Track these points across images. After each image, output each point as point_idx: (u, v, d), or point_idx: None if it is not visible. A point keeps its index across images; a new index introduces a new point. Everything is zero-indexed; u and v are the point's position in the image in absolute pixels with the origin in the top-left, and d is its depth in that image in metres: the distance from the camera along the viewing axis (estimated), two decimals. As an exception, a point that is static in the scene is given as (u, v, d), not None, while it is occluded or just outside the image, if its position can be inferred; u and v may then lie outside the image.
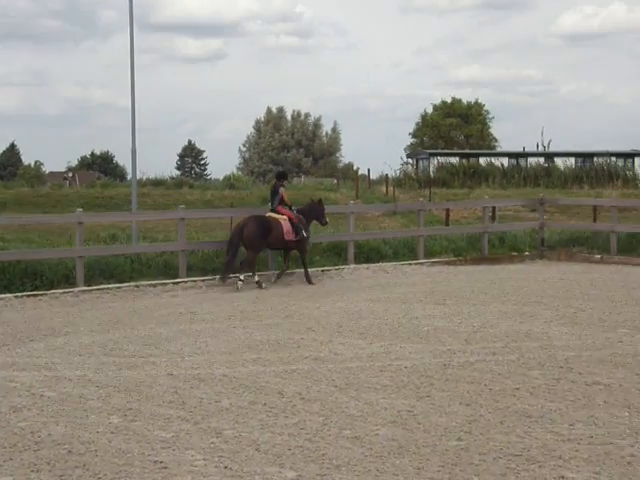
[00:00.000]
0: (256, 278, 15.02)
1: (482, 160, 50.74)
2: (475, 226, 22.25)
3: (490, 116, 79.12)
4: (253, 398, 7.20)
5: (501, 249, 20.51)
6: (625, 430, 6.10)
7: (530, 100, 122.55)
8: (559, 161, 50.66)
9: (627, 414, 6.51)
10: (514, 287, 14.51)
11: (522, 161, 51.35)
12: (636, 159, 53.37)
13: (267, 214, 15.67)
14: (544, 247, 20.52)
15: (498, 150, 65.70)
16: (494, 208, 23.15)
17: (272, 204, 15.78)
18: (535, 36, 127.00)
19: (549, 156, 53.60)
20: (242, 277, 14.98)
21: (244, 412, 6.78)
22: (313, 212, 16.19)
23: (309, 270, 15.74)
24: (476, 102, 78.37)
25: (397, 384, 7.64)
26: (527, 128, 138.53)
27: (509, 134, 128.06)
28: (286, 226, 15.34)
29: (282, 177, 16.50)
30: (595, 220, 23.62)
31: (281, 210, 15.60)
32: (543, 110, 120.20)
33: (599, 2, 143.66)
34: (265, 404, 7.00)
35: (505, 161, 50.83)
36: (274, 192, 15.84)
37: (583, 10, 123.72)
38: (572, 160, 52.03)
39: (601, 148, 54.25)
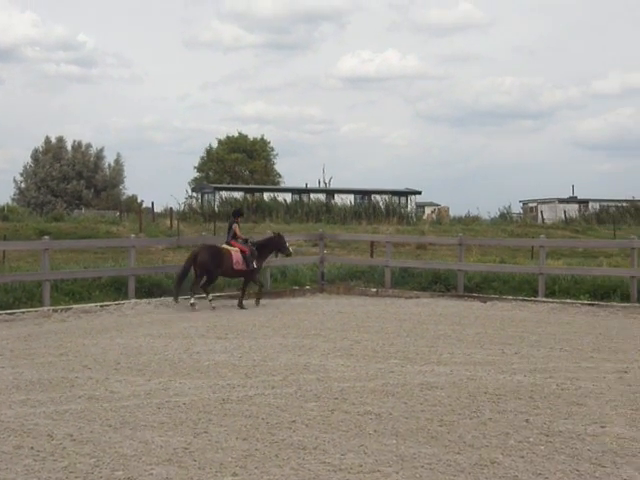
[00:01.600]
0: (192, 300, 16.63)
1: (266, 195, 51.71)
2: (258, 260, 22.50)
3: (274, 152, 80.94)
4: (19, 442, 6.81)
5: (283, 283, 20.88)
6: (392, 457, 6.37)
7: (313, 138, 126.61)
8: (339, 198, 52.66)
9: (395, 442, 6.80)
10: (295, 320, 14.82)
11: (305, 197, 52.85)
12: (410, 197, 56.60)
13: (222, 245, 17.53)
14: (324, 281, 21.14)
15: (282, 186, 67.27)
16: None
17: (227, 238, 17.73)
18: (317, 77, 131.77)
19: (330, 192, 55.60)
20: (193, 300, 16.66)
21: (8, 457, 6.38)
22: (272, 245, 18.17)
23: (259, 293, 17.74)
24: (261, 138, 79.86)
25: (174, 421, 7.52)
26: (310, 165, 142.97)
27: (293, 170, 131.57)
28: (236, 257, 17.23)
29: (236, 214, 18.37)
30: (372, 255, 24.73)
31: (234, 243, 17.51)
32: (325, 148, 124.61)
33: (375, 48, 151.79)
34: (32, 448, 6.65)
35: (289, 197, 52.11)
36: (229, 228, 17.87)
37: (360, 55, 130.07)
38: (352, 197, 54.30)
39: (378, 186, 57.07)
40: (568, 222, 53.54)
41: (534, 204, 67.54)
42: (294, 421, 7.53)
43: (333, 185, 64.84)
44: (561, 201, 66.04)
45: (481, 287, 19.42)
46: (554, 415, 7.73)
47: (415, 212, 54.49)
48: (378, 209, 49.75)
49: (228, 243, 17.55)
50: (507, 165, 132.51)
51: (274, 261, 21.08)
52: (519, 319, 15.60)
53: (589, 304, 17.57)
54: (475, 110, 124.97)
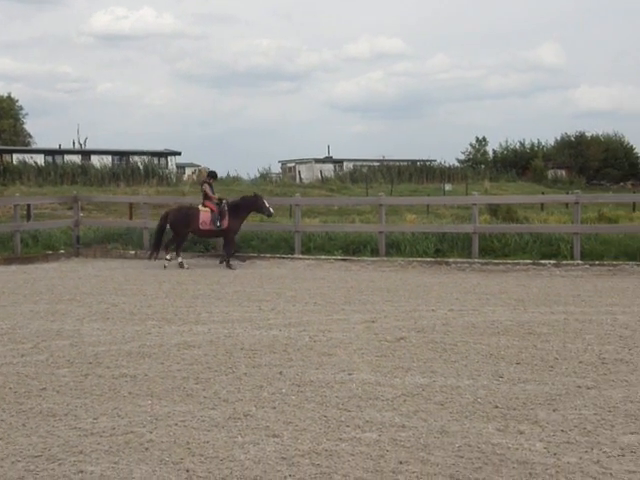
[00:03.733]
0: (179, 259, 17.51)
1: (15, 157, 48.83)
2: (6, 224, 21.28)
3: (24, 111, 76.58)
4: None
5: (35, 248, 19.94)
6: (146, 418, 6.32)
7: (67, 97, 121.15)
8: (96, 159, 50.90)
9: (150, 402, 6.75)
10: (47, 286, 14.21)
11: (59, 159, 50.53)
12: (170, 158, 55.86)
13: (197, 206, 17.92)
14: (79, 245, 20.45)
15: (33, 147, 63.79)
16: (29, 206, 22.43)
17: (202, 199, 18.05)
18: (69, 33, 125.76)
19: (86, 154, 53.56)
20: (168, 257, 17.55)
21: None
22: (247, 205, 17.97)
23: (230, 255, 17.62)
24: (8, 96, 75.13)
25: None
26: (64, 125, 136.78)
27: (45, 131, 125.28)
28: (204, 216, 17.53)
29: (209, 176, 18.85)
30: (131, 217, 24.22)
31: (207, 204, 17.75)
32: (80, 107, 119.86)
33: (130, 5, 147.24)
34: None
35: (41, 158, 49.55)
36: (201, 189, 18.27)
37: (115, 12, 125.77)
38: (109, 158, 52.65)
39: (137, 147, 55.72)
40: (324, 181, 55.51)
41: (292, 164, 69.31)
42: (44, 388, 7.24)
43: (89, 146, 62.56)
44: (317, 161, 68.29)
45: (240, 246, 19.66)
46: (306, 366, 8.03)
47: (175, 173, 53.93)
48: (137, 170, 48.65)
49: (203, 204, 17.82)
50: (266, 126, 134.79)
51: (23, 226, 20.07)
52: (277, 276, 16.01)
53: (342, 259, 18.39)
54: (234, 71, 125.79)
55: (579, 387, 7.03)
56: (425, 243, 18.81)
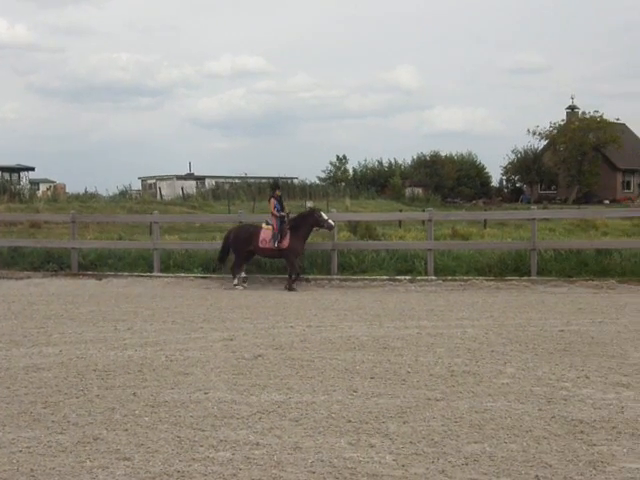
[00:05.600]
0: (235, 281, 16.72)
1: None
2: None
3: None
4: None
5: None
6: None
7: None
8: None
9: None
10: None
11: None
12: (22, 174, 53.83)
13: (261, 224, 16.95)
14: None
15: None
16: None
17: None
18: None
19: None
20: (236, 281, 16.74)
21: None
22: (307, 221, 16.83)
23: (294, 278, 16.59)
24: None
25: None
26: None
27: None
28: (264, 235, 16.53)
29: (272, 188, 17.55)
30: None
31: (273, 221, 16.68)
32: None
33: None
34: None
35: None
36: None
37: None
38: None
39: (-12, 162, 53.41)
40: (186, 198, 54.92)
41: (153, 181, 68.25)
42: None
43: None
44: (179, 178, 67.54)
45: (97, 264, 19.18)
46: (161, 386, 7.91)
47: (29, 189, 51.95)
48: (-12, 186, 46.57)
49: (268, 222, 16.84)
50: (127, 142, 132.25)
51: None
52: (134, 295, 15.69)
53: (202, 277, 18.24)
54: (92, 85, 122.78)
55: (429, 399, 7.24)
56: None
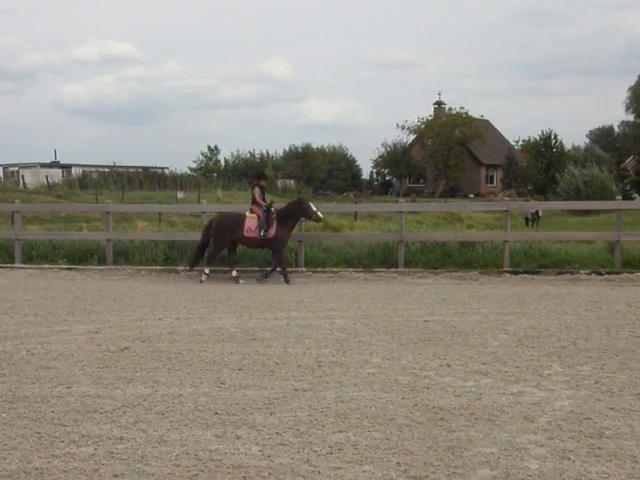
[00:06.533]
0: (234, 273, 16.25)
1: None
2: None
3: None
4: None
5: None
6: None
7: None
8: None
9: None
10: None
11: None
12: None
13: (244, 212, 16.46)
14: None
15: None
16: None
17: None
18: None
19: None
20: (207, 271, 16.30)
21: None
22: (295, 211, 16.49)
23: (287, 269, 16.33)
24: None
25: None
26: None
27: None
28: (249, 223, 16.12)
29: (257, 177, 17.30)
30: None
31: (254, 209, 16.37)
32: None
33: None
34: None
35: None
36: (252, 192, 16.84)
37: None
38: None
39: None
40: (51, 187, 53.11)
41: (15, 168, 65.64)
42: None
43: None
44: (43, 166, 65.24)
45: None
46: (21, 381, 7.63)
47: None
48: None
49: (251, 210, 16.45)
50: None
51: None
52: (-6, 287, 15.08)
53: (67, 268, 17.73)
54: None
55: (296, 390, 7.30)
56: (155, 251, 18.65)
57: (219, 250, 16.62)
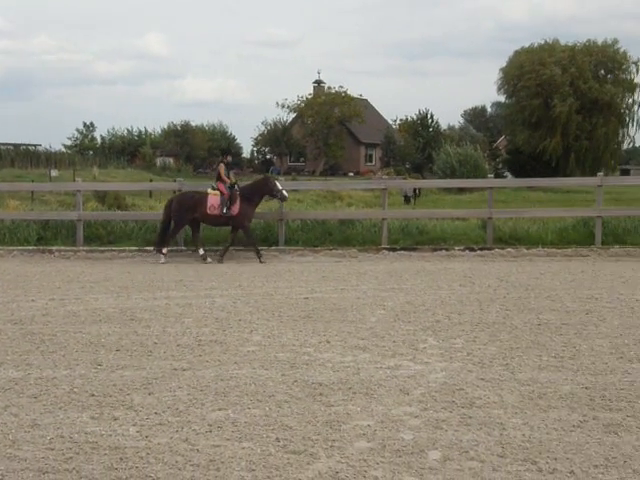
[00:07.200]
0: (201, 252, 15.90)
1: None
2: None
3: None
4: None
5: None
6: None
7: None
8: None
9: None
10: None
11: None
12: None
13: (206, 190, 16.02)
14: None
15: None
16: None
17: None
18: None
19: None
20: (165, 251, 15.81)
21: None
22: (259, 189, 16.16)
23: (230, 248, 16.16)
24: None
25: None
26: None
27: None
28: (212, 201, 15.64)
29: (223, 153, 17.43)
30: None
31: (219, 186, 15.87)
32: None
33: None
34: None
35: None
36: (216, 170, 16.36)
37: None
38: None
39: None
40: None
41: None
42: None
43: None
44: None
45: None
46: None
47: None
48: None
49: (214, 187, 15.97)
50: None
51: None
52: None
53: None
54: None
55: (175, 369, 7.24)
56: (27, 231, 18.01)
57: (179, 228, 16.35)
